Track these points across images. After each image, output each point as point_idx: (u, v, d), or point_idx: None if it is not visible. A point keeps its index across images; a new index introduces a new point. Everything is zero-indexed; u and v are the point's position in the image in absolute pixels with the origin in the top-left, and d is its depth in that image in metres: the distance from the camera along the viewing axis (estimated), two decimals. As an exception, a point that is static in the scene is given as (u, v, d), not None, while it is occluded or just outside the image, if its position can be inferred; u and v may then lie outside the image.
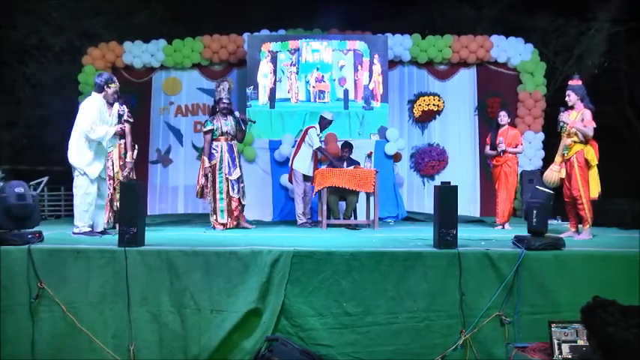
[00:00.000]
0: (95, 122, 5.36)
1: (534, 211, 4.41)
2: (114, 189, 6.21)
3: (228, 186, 6.47)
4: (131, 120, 6.39)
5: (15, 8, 10.97)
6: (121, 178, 6.20)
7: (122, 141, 6.32)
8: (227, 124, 6.55)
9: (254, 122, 7.28)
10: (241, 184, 6.59)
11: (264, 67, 9.35)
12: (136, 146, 6.41)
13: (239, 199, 6.53)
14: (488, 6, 12.32)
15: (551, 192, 4.69)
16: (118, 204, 6.11)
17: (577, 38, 11.48)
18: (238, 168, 6.56)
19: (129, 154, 6.34)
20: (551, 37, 11.57)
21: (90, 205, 5.39)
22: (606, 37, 11.47)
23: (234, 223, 6.53)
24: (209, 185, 6.47)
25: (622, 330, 2.41)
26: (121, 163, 6.32)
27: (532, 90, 9.57)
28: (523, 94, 9.61)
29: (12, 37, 11.19)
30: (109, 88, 5.59)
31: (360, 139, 8.91)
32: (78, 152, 5.34)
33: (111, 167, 6.22)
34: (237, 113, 6.75)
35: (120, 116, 5.93)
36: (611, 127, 11.37)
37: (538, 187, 4.79)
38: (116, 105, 5.84)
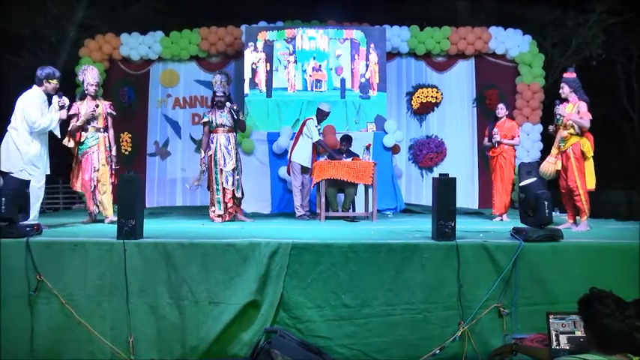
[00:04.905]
0: (38, 114, 5.28)
1: (545, 203, 4.37)
2: (97, 181, 6.11)
3: (222, 177, 6.48)
4: (113, 113, 6.30)
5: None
6: (102, 169, 6.09)
7: (106, 134, 6.24)
8: (222, 116, 6.54)
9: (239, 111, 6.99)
10: (237, 177, 6.54)
11: (259, 56, 9.33)
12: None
13: (233, 191, 6.48)
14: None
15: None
16: (101, 197, 6.07)
17: (575, 30, 11.47)
18: (234, 160, 6.50)
19: (114, 148, 6.27)
20: (549, 29, 11.55)
21: (39, 198, 5.33)
22: (604, 28, 11.47)
23: (230, 216, 6.50)
24: (206, 177, 6.49)
25: (618, 321, 2.43)
26: (106, 155, 6.21)
27: (530, 82, 9.55)
28: (521, 85, 9.59)
29: (5, 28, 11.09)
30: (49, 83, 5.43)
31: (357, 128, 8.92)
32: (29, 146, 5.25)
33: (96, 160, 6.14)
34: (228, 104, 6.58)
35: (61, 107, 5.66)
36: (608, 118, 11.39)
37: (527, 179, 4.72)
38: (55, 98, 5.60)
